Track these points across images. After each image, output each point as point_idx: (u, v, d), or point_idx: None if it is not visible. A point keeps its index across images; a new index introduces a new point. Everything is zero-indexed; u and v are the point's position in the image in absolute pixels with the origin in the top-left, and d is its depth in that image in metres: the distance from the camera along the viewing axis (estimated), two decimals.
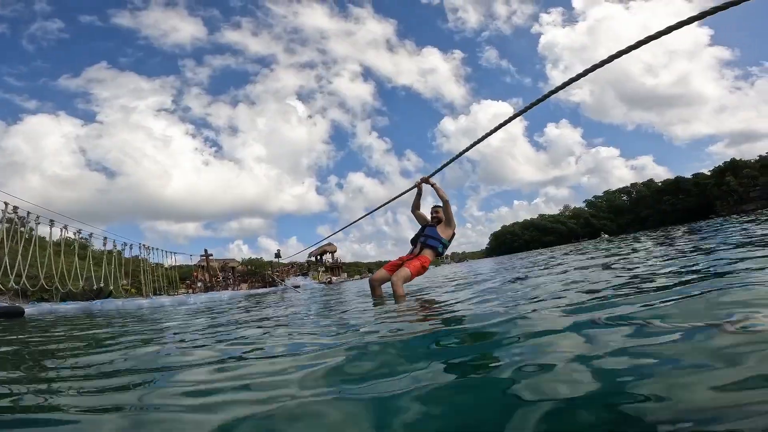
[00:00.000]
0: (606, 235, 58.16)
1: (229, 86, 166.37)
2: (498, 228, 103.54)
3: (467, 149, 4.25)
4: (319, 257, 54.88)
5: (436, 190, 4.63)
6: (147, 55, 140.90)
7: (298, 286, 23.57)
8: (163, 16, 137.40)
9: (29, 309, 11.74)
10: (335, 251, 56.45)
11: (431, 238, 4.60)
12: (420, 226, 4.87)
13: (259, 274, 40.67)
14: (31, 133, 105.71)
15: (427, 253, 4.54)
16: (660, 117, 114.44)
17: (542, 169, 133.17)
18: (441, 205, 4.71)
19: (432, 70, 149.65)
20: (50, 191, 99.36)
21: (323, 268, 48.68)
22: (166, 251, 26.17)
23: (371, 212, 7.33)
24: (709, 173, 65.87)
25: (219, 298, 15.11)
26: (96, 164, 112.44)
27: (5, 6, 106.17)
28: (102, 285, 19.75)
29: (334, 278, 44.29)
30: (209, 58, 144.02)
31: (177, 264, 31.54)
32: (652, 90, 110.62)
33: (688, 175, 69.71)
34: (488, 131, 3.88)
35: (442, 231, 4.63)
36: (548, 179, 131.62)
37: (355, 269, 67.32)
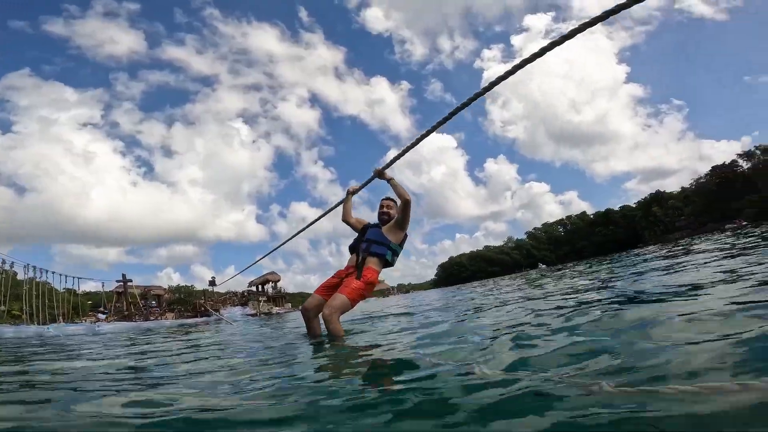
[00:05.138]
0: (544, 266, 60.54)
1: (165, 104, 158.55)
2: (444, 260, 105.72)
3: (422, 136, 3.22)
4: (260, 287, 51.28)
5: (394, 186, 3.51)
6: (77, 66, 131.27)
7: (236, 320, 20.96)
8: (101, 26, 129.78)
9: None
10: (278, 280, 53.11)
11: (375, 243, 3.46)
12: (360, 231, 3.73)
13: (189, 303, 36.54)
14: None
15: (372, 264, 3.41)
16: (583, 154, 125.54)
17: (482, 203, 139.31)
18: (394, 198, 3.66)
19: (380, 101, 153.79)
20: None
21: (264, 298, 45.12)
22: (65, 275, 22.03)
23: (305, 228, 5.93)
24: (635, 205, 72.93)
25: (135, 328, 12.92)
26: (5, 178, 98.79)
27: None
28: None
29: (276, 308, 41.20)
30: (145, 73, 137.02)
31: (91, 290, 27.12)
32: (577, 127, 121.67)
33: (614, 207, 77.00)
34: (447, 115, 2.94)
35: (390, 233, 3.49)
36: (487, 214, 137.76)
37: (300, 299, 63.83)
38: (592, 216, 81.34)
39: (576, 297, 3.86)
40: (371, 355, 2.16)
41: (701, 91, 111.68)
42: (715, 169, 59.13)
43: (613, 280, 5.31)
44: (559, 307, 3.06)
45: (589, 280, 5.96)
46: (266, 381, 1.68)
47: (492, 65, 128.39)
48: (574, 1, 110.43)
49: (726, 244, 7.94)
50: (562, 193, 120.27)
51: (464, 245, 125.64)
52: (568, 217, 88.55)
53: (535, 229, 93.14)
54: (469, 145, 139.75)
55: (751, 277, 2.92)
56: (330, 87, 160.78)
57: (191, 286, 41.41)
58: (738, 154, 57.23)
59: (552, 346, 1.66)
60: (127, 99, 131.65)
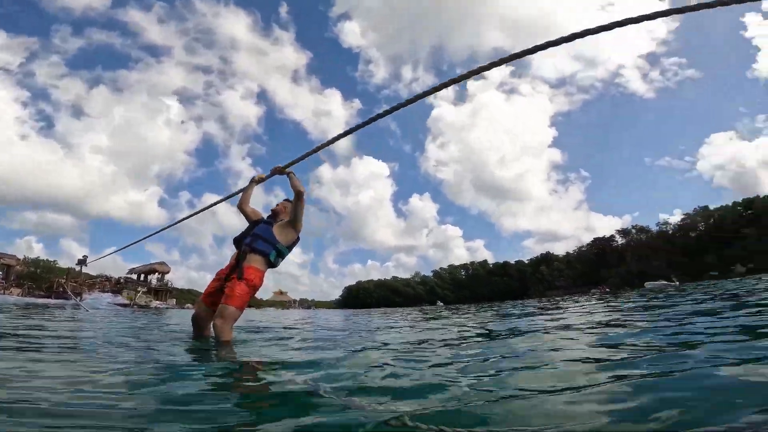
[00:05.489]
0: (442, 304, 63.71)
1: (97, 65, 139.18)
2: (352, 282, 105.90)
3: (337, 138, 3.12)
4: (144, 276, 45.57)
5: (291, 179, 3.44)
6: (23, 12, 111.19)
7: (97, 308, 18.06)
8: None
9: None
10: (167, 272, 47.71)
11: (261, 240, 3.29)
12: (251, 224, 3.58)
13: (45, 280, 30.84)
14: None
15: (255, 262, 3.23)
16: (497, 207, 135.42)
17: (399, 235, 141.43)
18: (290, 200, 3.57)
19: (328, 113, 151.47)
20: None
21: (144, 289, 39.97)
22: None
23: (200, 211, 5.33)
24: (527, 262, 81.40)
25: None
26: None
27: None
28: None
29: (156, 302, 36.75)
30: (93, 31, 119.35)
31: None
32: (499, 181, 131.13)
33: (511, 260, 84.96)
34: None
35: (279, 232, 3.36)
36: (402, 246, 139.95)
37: (189, 297, 58.03)
38: (491, 265, 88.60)
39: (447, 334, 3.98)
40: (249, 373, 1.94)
41: (606, 166, 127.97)
42: (596, 241, 70.23)
43: (493, 321, 5.68)
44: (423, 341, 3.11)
45: (475, 321, 6.38)
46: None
47: (443, 104, 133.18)
48: (533, 63, 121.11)
49: (583, 305, 9.05)
50: (472, 239, 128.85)
51: (374, 272, 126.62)
52: (472, 263, 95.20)
53: (441, 268, 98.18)
54: (400, 177, 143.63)
55: (581, 329, 3.28)
56: (283, 88, 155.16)
57: (53, 261, 35.13)
58: (617, 230, 68.97)
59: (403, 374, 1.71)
60: (58, 53, 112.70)
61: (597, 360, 1.88)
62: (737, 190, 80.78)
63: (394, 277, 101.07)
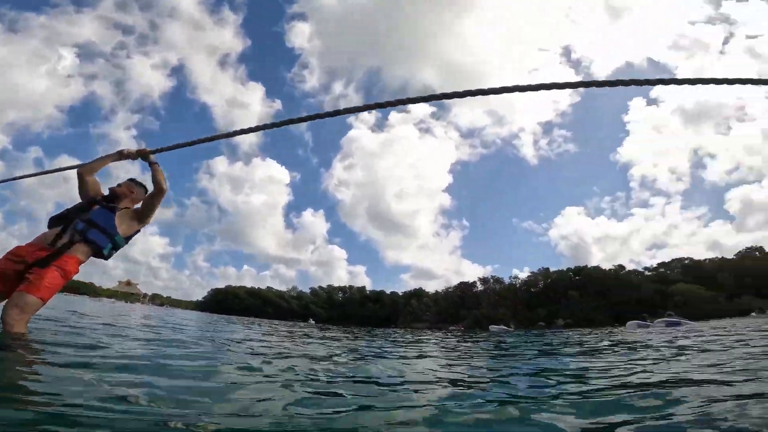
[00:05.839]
0: (313, 321, 64.30)
1: (7, 3, 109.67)
2: (221, 285, 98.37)
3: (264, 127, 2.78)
4: None
5: (155, 171, 2.94)
6: None
7: None
8: None
9: None
10: None
11: (98, 230, 2.70)
12: (85, 201, 2.91)
13: None
14: None
15: (81, 254, 2.65)
16: (385, 239, 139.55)
17: (283, 246, 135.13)
18: (141, 184, 3.07)
19: (244, 105, 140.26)
20: None
21: None
22: None
23: (38, 174, 4.27)
24: (401, 294, 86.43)
25: None
26: None
27: None
28: None
29: None
30: None
31: None
32: (392, 214, 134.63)
33: (387, 290, 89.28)
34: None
35: (122, 221, 2.83)
36: (284, 257, 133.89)
37: None
38: (368, 292, 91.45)
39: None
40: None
41: (484, 220, 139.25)
42: (461, 284, 79.82)
43: (356, 342, 5.87)
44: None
45: (338, 342, 6.48)
46: None
47: (362, 128, 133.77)
48: (453, 109, 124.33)
49: (437, 339, 9.99)
50: (355, 264, 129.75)
51: (248, 279, 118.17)
52: (350, 287, 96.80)
53: (320, 287, 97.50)
54: (299, 188, 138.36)
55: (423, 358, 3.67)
56: (205, 69, 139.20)
57: None
58: (479, 278, 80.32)
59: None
60: None
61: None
62: (572, 258, 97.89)
63: (269, 288, 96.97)
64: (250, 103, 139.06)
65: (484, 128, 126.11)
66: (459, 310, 70.67)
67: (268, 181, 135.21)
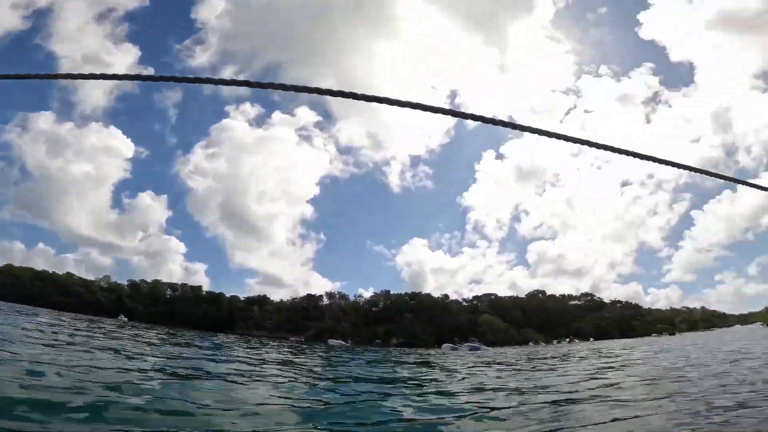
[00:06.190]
0: (125, 318, 57.33)
1: None
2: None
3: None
4: None
5: None
6: None
7: None
8: None
9: None
10: None
11: None
12: None
13: None
14: None
15: None
16: (234, 238, 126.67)
17: (102, 228, 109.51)
18: None
19: (102, 64, 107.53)
20: None
21: None
22: None
23: None
24: (243, 299, 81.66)
25: None
26: None
27: None
28: None
29: None
30: None
31: None
32: (248, 215, 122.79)
33: (227, 293, 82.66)
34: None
35: None
36: (100, 241, 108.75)
37: None
38: (205, 293, 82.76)
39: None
40: None
41: (340, 236, 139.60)
42: (308, 296, 79.95)
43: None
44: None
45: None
46: None
47: (239, 118, 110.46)
48: (339, 123, 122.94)
49: (271, 349, 9.70)
50: (194, 261, 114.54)
51: (40, 260, 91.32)
52: (183, 284, 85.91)
53: (142, 280, 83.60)
54: (142, 166, 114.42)
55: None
56: (75, 19, 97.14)
57: None
58: (326, 292, 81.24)
59: None
60: None
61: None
62: (411, 283, 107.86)
63: (70, 274, 77.83)
64: (113, 64, 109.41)
65: (361, 149, 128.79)
66: (303, 321, 70.48)
67: (102, 152, 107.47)
